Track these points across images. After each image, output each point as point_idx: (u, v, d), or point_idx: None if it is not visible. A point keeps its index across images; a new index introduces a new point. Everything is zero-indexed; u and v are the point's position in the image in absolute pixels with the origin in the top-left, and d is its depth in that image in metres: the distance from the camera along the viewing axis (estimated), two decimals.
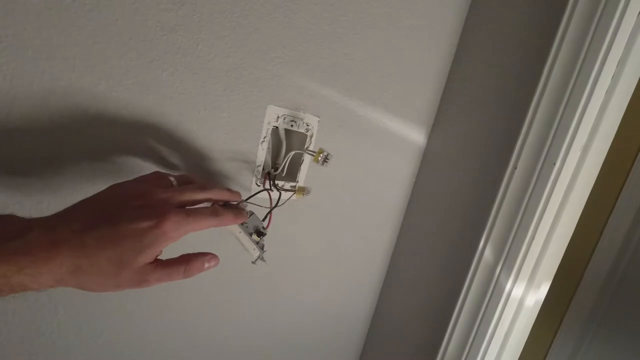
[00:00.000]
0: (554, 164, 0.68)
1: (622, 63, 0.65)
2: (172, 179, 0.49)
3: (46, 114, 0.49)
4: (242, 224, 0.58)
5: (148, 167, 0.59)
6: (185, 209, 0.44)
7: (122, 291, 0.39)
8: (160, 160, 0.59)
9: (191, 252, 0.45)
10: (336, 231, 0.87)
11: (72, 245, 0.35)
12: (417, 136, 0.91)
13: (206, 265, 0.48)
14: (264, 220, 0.63)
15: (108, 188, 0.45)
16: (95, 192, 0.42)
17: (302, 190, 0.69)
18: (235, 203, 0.59)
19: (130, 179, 0.48)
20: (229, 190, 0.55)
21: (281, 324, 0.89)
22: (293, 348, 0.94)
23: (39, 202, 0.53)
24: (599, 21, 0.64)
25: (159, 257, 0.43)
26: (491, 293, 0.75)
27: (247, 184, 0.69)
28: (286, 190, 0.70)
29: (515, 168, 0.71)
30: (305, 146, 0.72)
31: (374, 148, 0.84)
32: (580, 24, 0.65)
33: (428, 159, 0.93)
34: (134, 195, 0.42)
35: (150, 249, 0.39)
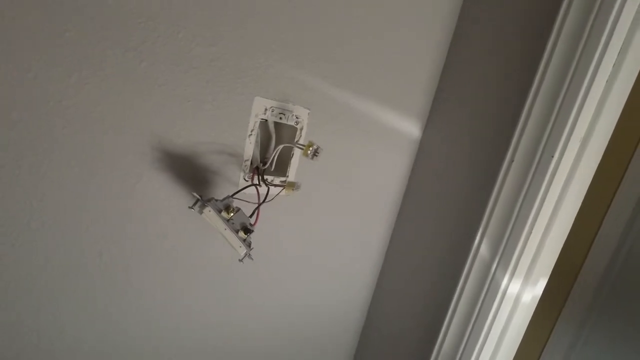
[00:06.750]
0: (552, 157, 0.65)
1: (623, 51, 0.63)
2: None
3: (13, 107, 0.46)
4: (228, 220, 0.56)
5: (129, 164, 0.56)
6: None
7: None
8: (141, 156, 0.57)
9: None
10: (327, 227, 0.85)
11: None
12: (412, 129, 0.88)
13: None
14: (251, 216, 0.60)
15: None
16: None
17: (292, 186, 0.67)
18: (220, 199, 0.56)
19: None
20: None
21: (270, 325, 0.87)
22: (284, 349, 0.93)
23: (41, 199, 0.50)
24: (600, 7, 0.61)
25: None
26: (487, 290, 0.73)
27: (235, 179, 0.67)
28: (275, 185, 0.67)
29: (513, 161, 0.69)
30: (295, 140, 0.70)
31: (367, 141, 0.81)
32: (580, 11, 0.63)
33: (423, 152, 0.91)
34: None
35: None
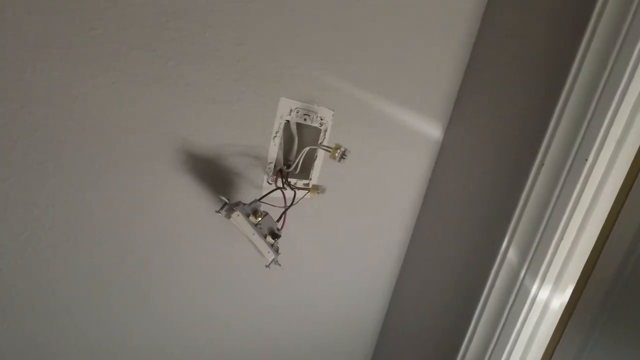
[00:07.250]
0: (586, 160, 0.63)
1: None
2: None
3: (37, 107, 0.45)
4: (256, 225, 0.54)
5: (153, 166, 0.54)
6: None
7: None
8: (166, 158, 0.55)
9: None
10: (347, 229, 0.83)
11: None
12: (433, 131, 0.86)
13: None
14: (278, 221, 0.59)
15: None
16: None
17: (317, 189, 0.65)
18: (248, 203, 0.55)
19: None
20: None
21: (289, 327, 0.85)
22: (300, 349, 0.91)
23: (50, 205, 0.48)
24: (638, 6, 0.59)
25: None
26: (515, 296, 0.71)
27: (259, 182, 0.65)
28: (300, 188, 0.66)
29: (543, 164, 0.67)
30: (320, 141, 0.68)
31: (388, 143, 0.79)
32: (615, 10, 0.60)
33: (445, 154, 0.89)
34: None
35: None
